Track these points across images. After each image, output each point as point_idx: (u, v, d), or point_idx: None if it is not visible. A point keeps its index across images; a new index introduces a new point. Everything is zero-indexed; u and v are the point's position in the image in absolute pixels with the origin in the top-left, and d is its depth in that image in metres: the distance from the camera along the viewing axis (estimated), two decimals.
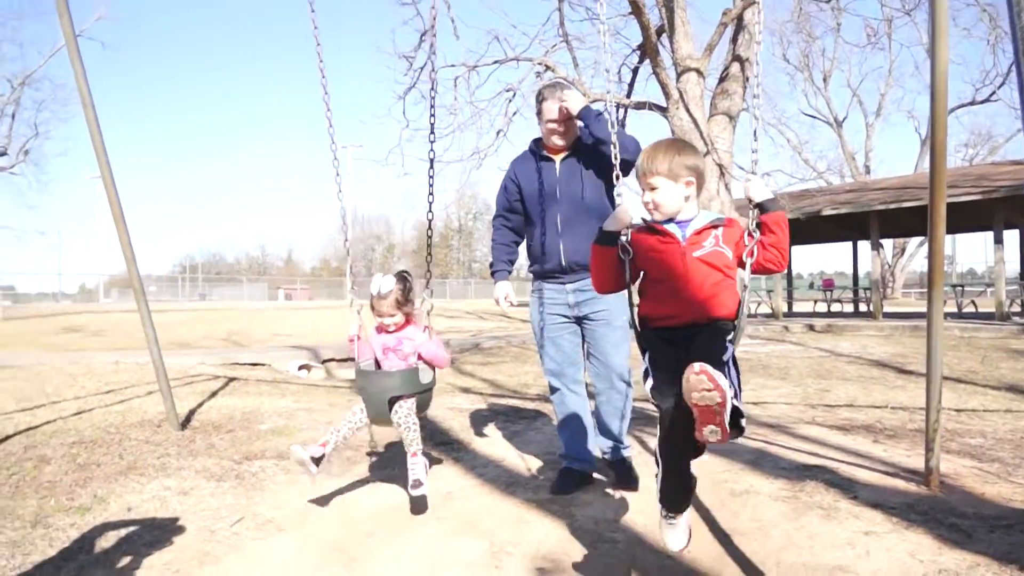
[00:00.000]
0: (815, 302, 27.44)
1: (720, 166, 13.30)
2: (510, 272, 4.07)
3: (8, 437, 4.96)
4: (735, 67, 13.61)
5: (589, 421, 3.96)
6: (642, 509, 3.45)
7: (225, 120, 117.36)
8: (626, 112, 15.38)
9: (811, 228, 22.79)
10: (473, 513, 3.50)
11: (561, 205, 3.79)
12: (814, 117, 43.29)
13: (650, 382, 2.33)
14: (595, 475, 3.94)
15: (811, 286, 36.78)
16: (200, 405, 6.26)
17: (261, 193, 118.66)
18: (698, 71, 13.45)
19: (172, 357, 6.54)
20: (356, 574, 2.84)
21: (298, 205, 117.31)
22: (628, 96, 15.55)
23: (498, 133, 16.01)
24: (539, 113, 3.84)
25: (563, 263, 3.80)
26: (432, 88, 3.43)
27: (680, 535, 2.48)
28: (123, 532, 3.23)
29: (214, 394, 6.88)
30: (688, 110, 13.33)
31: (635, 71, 15.78)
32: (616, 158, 2.74)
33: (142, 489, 3.86)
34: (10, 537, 3.13)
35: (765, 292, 24.70)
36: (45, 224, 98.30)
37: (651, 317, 2.45)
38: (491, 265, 4.13)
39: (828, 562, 2.77)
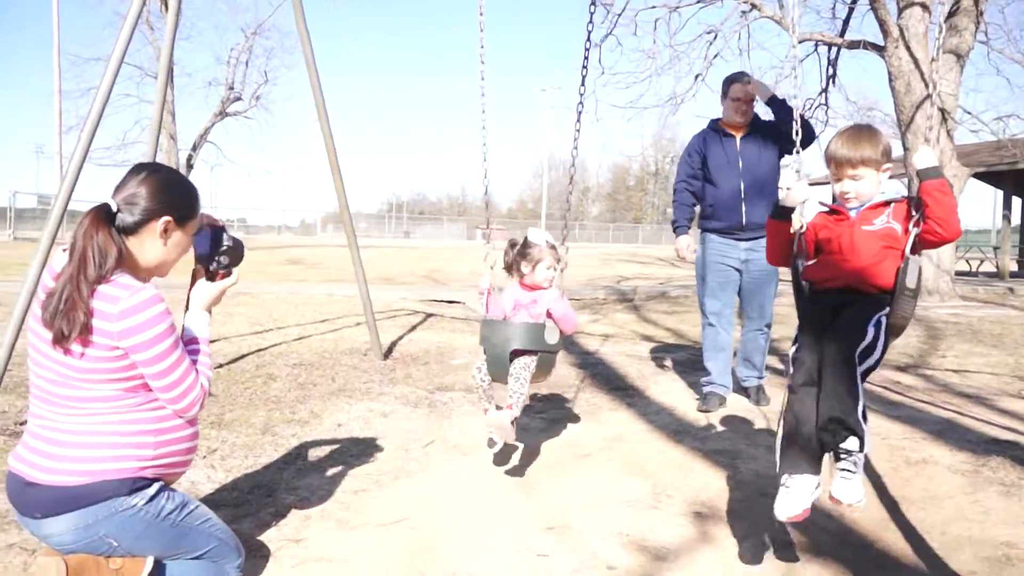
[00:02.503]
0: None
1: (943, 111, 12.13)
2: (689, 228, 4.80)
3: (243, 356, 5.78)
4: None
5: (731, 355, 4.74)
6: None
7: (429, 63, 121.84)
8: (839, 52, 14.36)
9: None
10: (639, 456, 3.69)
11: (744, 174, 4.54)
12: None
13: (792, 350, 2.44)
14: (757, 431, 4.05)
15: None
16: (400, 338, 6.89)
17: (463, 135, 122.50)
18: (923, 5, 12.20)
19: (377, 291, 7.20)
20: (528, 498, 3.14)
21: (499, 147, 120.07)
22: (842, 35, 14.44)
23: (696, 77, 15.50)
24: (726, 93, 4.62)
25: (743, 223, 4.54)
26: None
27: (793, 500, 2.25)
28: (334, 445, 3.76)
29: (413, 328, 7.52)
30: (909, 49, 12.21)
31: (851, 7, 14.59)
32: (797, 134, 2.76)
33: (350, 409, 4.41)
34: (244, 441, 3.74)
35: (991, 249, 22.44)
36: (272, 163, 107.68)
37: (813, 280, 2.51)
38: (673, 222, 4.86)
39: (996, 537, 2.70)
